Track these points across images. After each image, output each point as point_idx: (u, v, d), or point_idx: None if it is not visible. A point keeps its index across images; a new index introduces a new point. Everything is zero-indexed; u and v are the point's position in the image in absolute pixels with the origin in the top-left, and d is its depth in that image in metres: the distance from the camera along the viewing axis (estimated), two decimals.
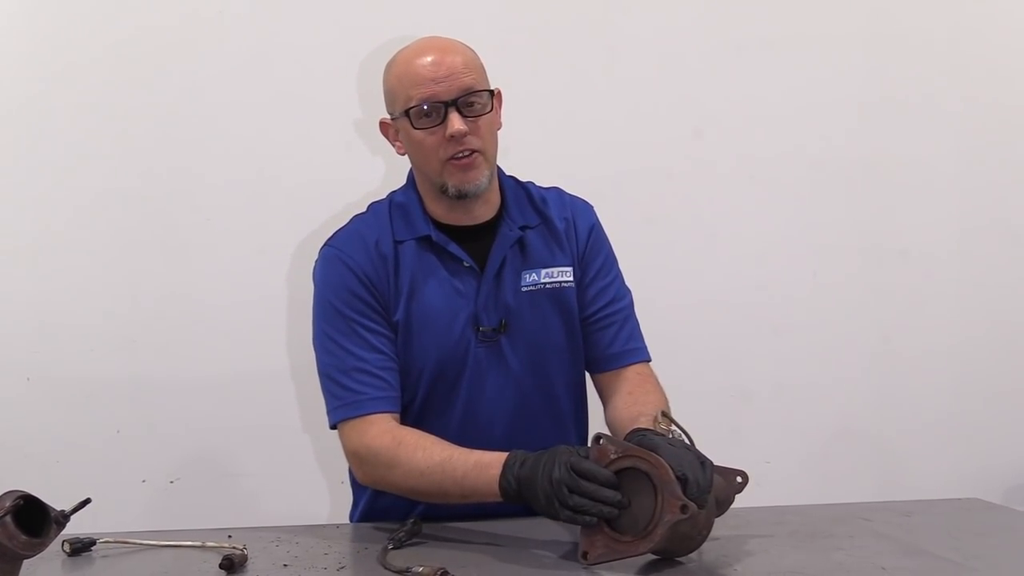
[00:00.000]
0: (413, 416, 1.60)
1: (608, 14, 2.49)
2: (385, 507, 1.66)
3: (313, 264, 1.65)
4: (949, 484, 2.43)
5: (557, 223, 1.66)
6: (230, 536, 1.46)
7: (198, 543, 1.43)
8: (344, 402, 1.56)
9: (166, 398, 2.33)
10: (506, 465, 1.39)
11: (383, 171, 2.24)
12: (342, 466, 2.33)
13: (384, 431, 1.52)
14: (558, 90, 2.41)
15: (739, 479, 1.42)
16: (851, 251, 2.59)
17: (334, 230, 1.66)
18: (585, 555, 1.30)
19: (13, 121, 2.30)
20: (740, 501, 1.45)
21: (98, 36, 2.33)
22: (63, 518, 1.17)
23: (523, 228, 1.64)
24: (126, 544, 1.45)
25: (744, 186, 2.53)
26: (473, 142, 1.54)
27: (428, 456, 1.47)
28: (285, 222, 2.36)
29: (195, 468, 2.36)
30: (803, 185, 2.57)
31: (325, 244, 1.65)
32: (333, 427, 1.59)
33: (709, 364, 2.45)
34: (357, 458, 1.56)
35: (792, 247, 2.56)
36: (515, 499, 1.38)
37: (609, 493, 1.28)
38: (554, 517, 1.32)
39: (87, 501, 1.20)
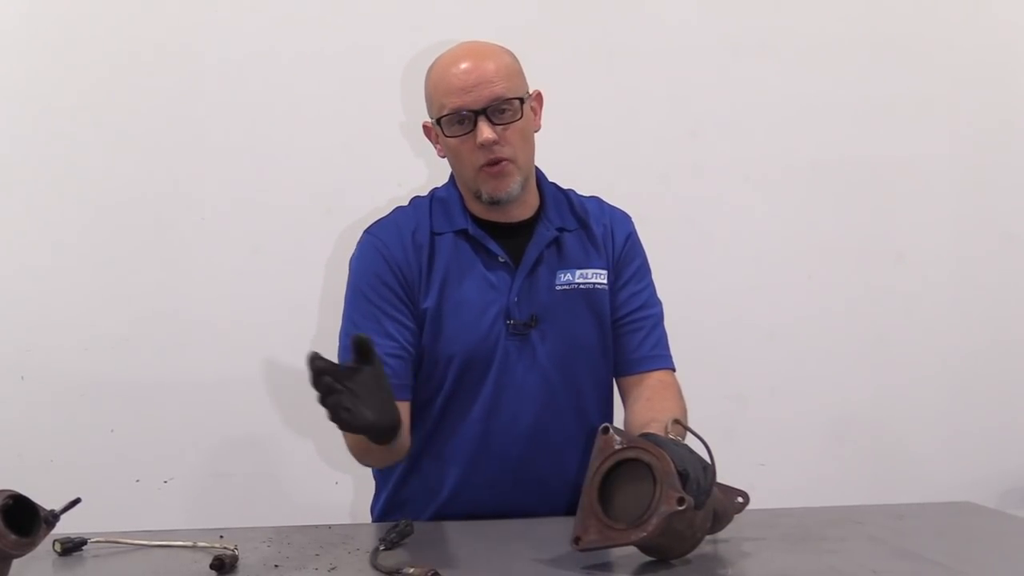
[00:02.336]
0: (440, 405, 1.63)
1: (605, 16, 2.48)
2: (404, 499, 1.69)
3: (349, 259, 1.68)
4: (943, 488, 2.42)
5: (595, 228, 1.70)
6: (222, 536, 1.45)
7: (189, 543, 1.42)
8: None
9: (161, 398, 2.33)
10: None
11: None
12: (337, 466, 2.36)
13: None
14: (554, 91, 2.40)
15: (740, 499, 1.43)
16: (847, 254, 2.58)
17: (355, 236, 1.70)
18: (577, 540, 1.29)
19: (9, 121, 2.29)
20: None
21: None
22: (52, 517, 1.17)
23: (560, 230, 1.67)
24: (117, 544, 1.44)
25: (739, 188, 2.53)
26: (503, 150, 1.57)
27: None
28: (280, 224, 2.35)
29: (189, 468, 2.36)
30: (799, 187, 2.56)
31: (365, 231, 1.69)
32: None
33: (703, 366, 2.42)
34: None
35: (787, 249, 2.55)
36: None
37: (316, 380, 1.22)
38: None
39: (77, 501, 1.20)
